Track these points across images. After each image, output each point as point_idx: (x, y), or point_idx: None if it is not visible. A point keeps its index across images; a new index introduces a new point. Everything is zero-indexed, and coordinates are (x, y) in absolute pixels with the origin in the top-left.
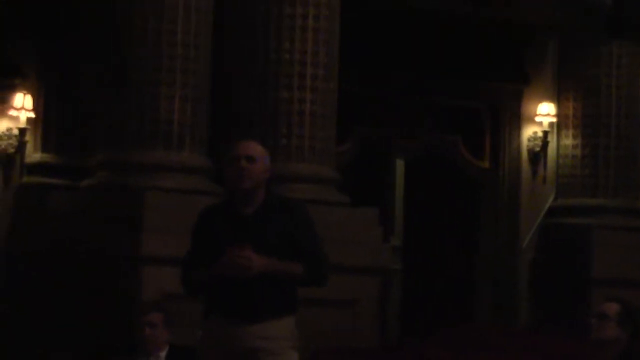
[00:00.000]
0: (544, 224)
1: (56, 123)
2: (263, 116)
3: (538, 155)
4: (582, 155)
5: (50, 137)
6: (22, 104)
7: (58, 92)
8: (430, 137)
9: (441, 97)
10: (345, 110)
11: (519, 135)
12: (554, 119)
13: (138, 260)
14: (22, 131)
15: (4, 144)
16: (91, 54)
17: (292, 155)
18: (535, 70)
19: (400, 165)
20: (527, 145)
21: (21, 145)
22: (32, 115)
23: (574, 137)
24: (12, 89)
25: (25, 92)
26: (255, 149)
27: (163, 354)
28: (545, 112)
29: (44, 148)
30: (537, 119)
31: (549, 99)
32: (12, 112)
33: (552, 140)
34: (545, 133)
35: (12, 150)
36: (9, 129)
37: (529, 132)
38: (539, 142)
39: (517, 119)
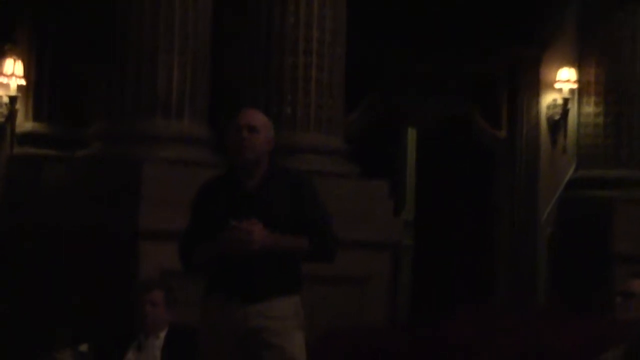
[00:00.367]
0: (564, 196)
1: (49, 91)
2: (266, 83)
3: (558, 124)
4: (604, 124)
5: (42, 106)
6: (13, 70)
7: (51, 59)
8: (444, 105)
9: (455, 63)
10: (354, 78)
11: (537, 102)
12: (575, 86)
13: (136, 235)
14: (12, 99)
15: None
16: (85, 17)
17: (298, 125)
18: (554, 33)
19: (412, 135)
20: (546, 114)
21: (12, 114)
22: (23, 82)
23: (596, 104)
24: (2, 54)
25: (15, 58)
26: (257, 118)
27: (163, 334)
28: (565, 78)
29: (36, 117)
30: (557, 85)
31: (569, 64)
32: (1, 79)
33: (573, 108)
34: (566, 100)
35: (1, 119)
36: None
37: (548, 99)
38: (559, 110)
39: (536, 85)
